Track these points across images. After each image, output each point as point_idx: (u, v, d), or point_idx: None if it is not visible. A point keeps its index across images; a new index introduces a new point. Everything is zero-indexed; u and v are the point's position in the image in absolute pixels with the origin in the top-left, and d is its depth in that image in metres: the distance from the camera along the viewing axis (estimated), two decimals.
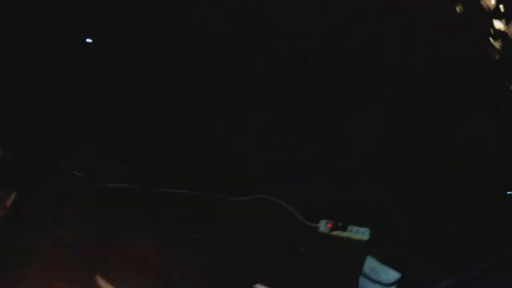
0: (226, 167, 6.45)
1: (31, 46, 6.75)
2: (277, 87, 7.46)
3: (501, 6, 7.47)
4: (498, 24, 7.43)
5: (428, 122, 7.25)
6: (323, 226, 6.01)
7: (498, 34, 7.39)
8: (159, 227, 5.57)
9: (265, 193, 6.17)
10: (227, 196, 6.03)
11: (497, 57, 7.26)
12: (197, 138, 6.57)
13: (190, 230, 5.65)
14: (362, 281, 5.73)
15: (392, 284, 5.67)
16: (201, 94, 6.96)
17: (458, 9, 8.11)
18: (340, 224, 5.97)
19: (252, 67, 7.64)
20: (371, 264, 5.79)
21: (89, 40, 7.08)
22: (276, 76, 7.65)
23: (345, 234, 6.02)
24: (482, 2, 7.66)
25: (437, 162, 6.79)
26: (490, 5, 7.56)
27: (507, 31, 7.21)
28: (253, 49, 7.82)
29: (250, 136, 6.61)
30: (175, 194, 5.87)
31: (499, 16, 7.48)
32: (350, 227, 6.01)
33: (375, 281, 5.66)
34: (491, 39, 7.40)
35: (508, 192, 6.69)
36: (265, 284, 4.99)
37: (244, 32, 8.06)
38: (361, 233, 6.05)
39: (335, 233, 6.02)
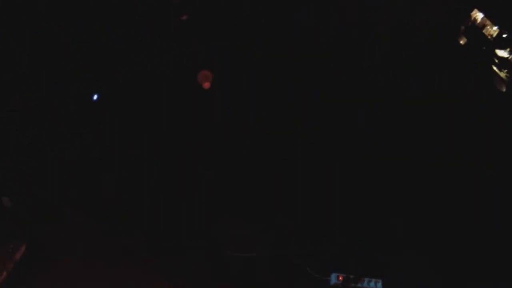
0: (230, 224, 6.23)
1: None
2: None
3: (504, 35, 7.56)
4: (502, 53, 7.48)
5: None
6: (335, 279, 5.90)
7: (503, 63, 7.44)
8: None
9: (273, 248, 6.07)
10: (235, 252, 5.91)
11: (504, 88, 7.32)
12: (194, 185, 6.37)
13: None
14: None
15: None
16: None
17: (462, 41, 8.16)
18: (351, 276, 5.88)
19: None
20: None
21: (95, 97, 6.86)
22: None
23: (357, 286, 5.92)
24: (485, 31, 7.71)
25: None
26: (493, 33, 7.63)
27: (511, 59, 7.29)
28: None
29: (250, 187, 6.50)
30: (179, 248, 5.79)
31: (503, 45, 7.54)
32: (362, 279, 5.92)
33: None
34: (495, 68, 7.46)
35: None
36: None
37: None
38: (373, 285, 5.94)
39: (347, 285, 5.93)
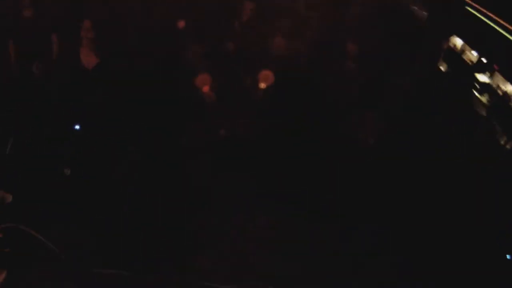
0: (215, 254, 5.94)
1: None
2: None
3: (483, 59, 7.77)
4: (482, 78, 7.66)
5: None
6: None
7: (484, 87, 7.60)
8: None
9: (260, 280, 5.81)
10: (220, 284, 5.66)
11: (484, 112, 7.45)
12: (185, 220, 6.29)
13: None
14: None
15: None
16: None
17: (442, 67, 8.39)
18: None
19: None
20: None
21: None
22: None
23: None
24: (465, 57, 7.93)
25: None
26: (473, 59, 7.85)
27: (491, 83, 7.43)
28: None
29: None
30: (165, 281, 5.52)
31: (482, 69, 7.74)
32: None
33: None
34: (476, 93, 7.61)
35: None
36: None
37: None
38: None
39: None
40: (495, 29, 7.53)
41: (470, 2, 8.04)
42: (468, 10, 8.08)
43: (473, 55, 8.14)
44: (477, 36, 8.07)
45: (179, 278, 5.43)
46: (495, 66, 7.65)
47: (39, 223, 5.56)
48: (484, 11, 7.75)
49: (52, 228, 5.60)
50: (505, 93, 7.33)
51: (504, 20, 7.39)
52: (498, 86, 7.52)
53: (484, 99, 7.66)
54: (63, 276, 5.16)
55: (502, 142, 7.12)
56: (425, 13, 8.55)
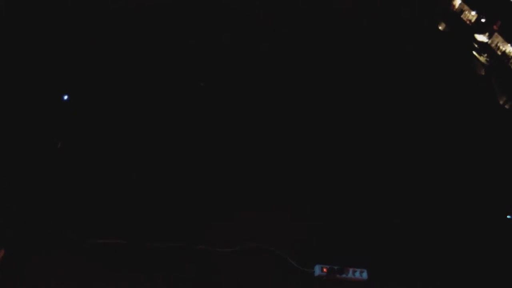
0: (214, 218, 6.15)
1: None
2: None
3: (482, 20, 7.70)
4: (481, 38, 7.57)
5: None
6: (319, 270, 5.73)
7: (483, 48, 7.54)
8: (151, 283, 5.37)
9: (256, 241, 5.93)
10: (219, 247, 5.80)
11: (483, 72, 7.38)
12: (183, 190, 6.48)
13: (183, 284, 5.43)
14: None
15: None
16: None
17: (441, 27, 8.31)
18: (336, 267, 5.72)
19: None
20: None
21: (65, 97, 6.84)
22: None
23: (342, 276, 5.77)
24: (463, 17, 7.83)
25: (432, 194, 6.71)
26: (472, 19, 7.76)
27: (490, 43, 7.36)
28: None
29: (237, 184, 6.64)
30: (165, 248, 5.67)
31: (481, 29, 7.66)
32: (347, 270, 5.78)
33: None
34: (475, 53, 7.53)
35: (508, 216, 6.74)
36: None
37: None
38: (358, 275, 5.80)
39: (332, 276, 5.77)
40: None
41: None
42: None
43: (471, 14, 8.09)
44: None
45: (177, 245, 5.59)
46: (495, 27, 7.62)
47: (34, 202, 5.69)
48: None
49: (48, 205, 5.72)
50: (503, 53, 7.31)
51: None
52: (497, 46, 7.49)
53: (482, 58, 7.64)
54: (63, 250, 5.29)
55: (501, 102, 7.12)
56: None
